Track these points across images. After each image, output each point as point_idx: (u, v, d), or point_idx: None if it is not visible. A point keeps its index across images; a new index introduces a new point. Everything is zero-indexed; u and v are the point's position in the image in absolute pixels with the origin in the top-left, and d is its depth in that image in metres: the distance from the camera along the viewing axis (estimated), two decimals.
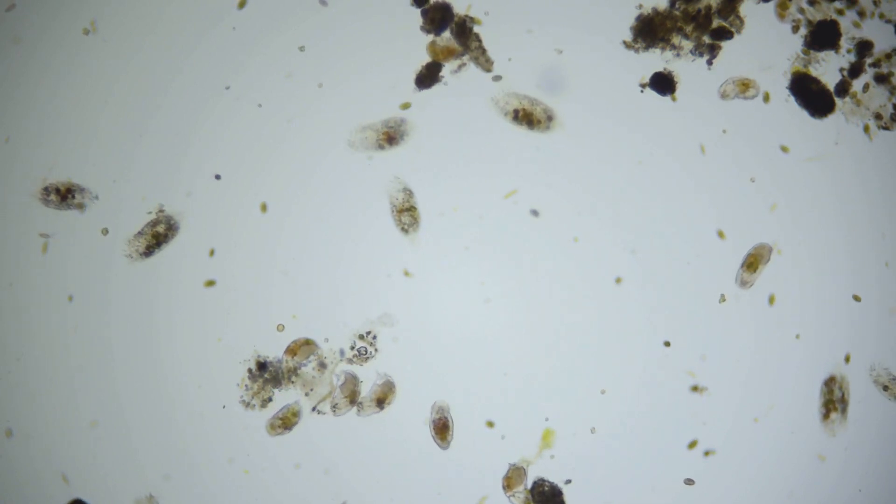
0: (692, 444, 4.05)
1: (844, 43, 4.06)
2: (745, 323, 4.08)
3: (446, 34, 4.00)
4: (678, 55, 4.04)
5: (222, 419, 3.99)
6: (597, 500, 4.06)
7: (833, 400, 4.06)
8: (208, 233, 4.01)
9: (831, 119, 4.07)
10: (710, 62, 4.05)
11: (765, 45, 4.07)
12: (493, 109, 3.99)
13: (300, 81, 4.01)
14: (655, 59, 4.04)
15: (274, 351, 4.00)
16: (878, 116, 4.07)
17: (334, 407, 3.98)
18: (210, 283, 3.98)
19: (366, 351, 3.99)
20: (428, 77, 4.00)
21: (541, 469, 4.05)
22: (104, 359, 3.99)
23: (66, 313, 3.98)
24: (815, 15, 4.05)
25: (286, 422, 3.97)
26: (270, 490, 4.02)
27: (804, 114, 4.08)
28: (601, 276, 4.06)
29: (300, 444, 4.01)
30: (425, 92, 4.01)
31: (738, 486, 4.07)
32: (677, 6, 4.02)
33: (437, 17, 3.98)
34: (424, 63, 4.01)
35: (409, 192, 3.95)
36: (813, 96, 4.06)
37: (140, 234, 3.88)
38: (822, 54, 4.06)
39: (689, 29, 4.03)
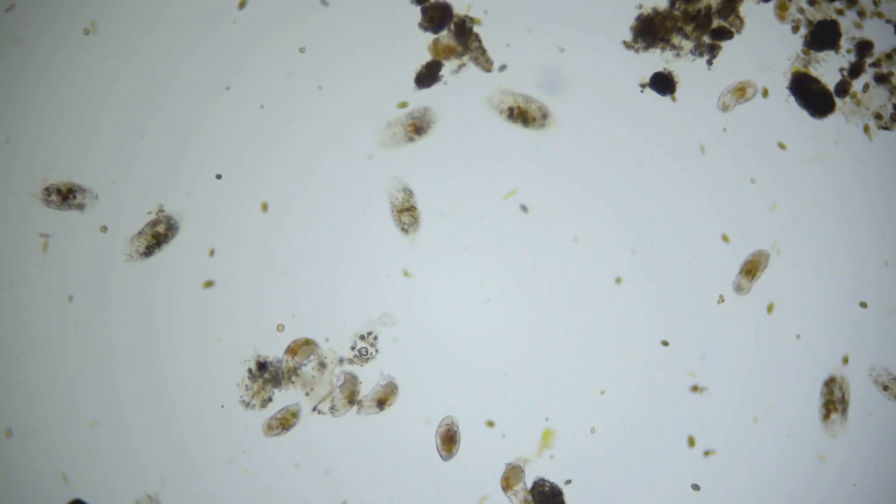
0: (691, 442, 4.05)
1: (844, 43, 4.06)
2: (745, 323, 4.08)
3: (446, 34, 4.00)
4: (678, 55, 4.04)
5: (222, 419, 3.99)
6: (597, 500, 4.06)
7: (833, 400, 4.06)
8: (208, 233, 4.01)
9: (831, 119, 4.07)
10: (710, 62, 4.05)
11: (765, 45, 4.07)
12: (487, 108, 3.99)
13: (300, 81, 4.01)
14: (655, 59, 4.04)
15: (274, 351, 4.00)
16: (878, 116, 4.07)
17: (332, 408, 3.98)
18: (209, 284, 3.98)
19: (366, 351, 3.99)
20: (428, 77, 4.00)
21: (541, 469, 4.05)
22: (104, 359, 3.99)
23: (66, 313, 3.98)
24: (815, 15, 4.05)
25: (284, 423, 3.97)
26: (270, 490, 4.02)
27: (804, 114, 4.08)
28: (601, 276, 4.06)
29: (300, 444, 4.01)
30: (425, 92, 4.01)
31: (738, 486, 4.07)
32: (677, 6, 4.02)
33: (437, 16, 3.98)
34: (424, 62, 4.01)
35: (409, 192, 3.95)
36: (813, 96, 4.06)
37: (140, 234, 3.88)
38: (822, 54, 4.06)
39: (689, 29, 4.03)
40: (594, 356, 4.07)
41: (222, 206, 4.01)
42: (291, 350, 3.98)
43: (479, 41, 4.00)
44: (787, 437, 4.08)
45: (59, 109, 3.99)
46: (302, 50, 3.99)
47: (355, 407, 4.00)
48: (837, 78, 4.07)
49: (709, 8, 4.03)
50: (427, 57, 4.01)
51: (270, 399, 3.98)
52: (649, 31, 4.01)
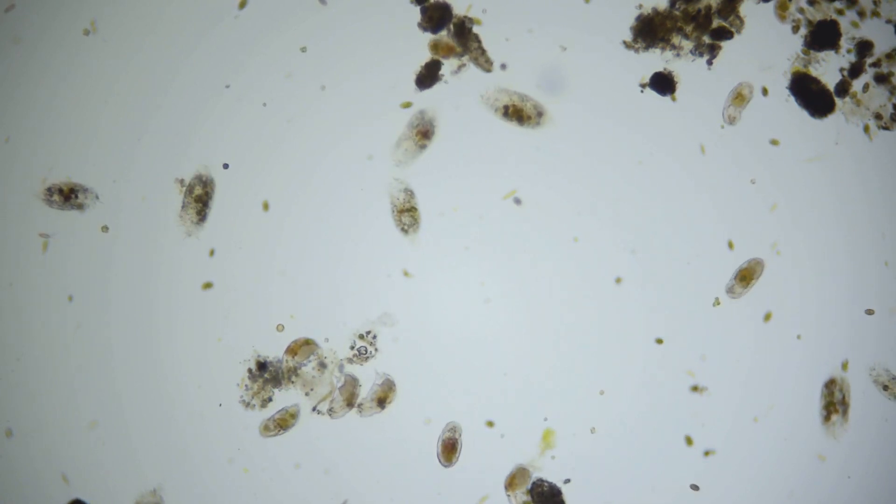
0: (689, 441, 4.04)
1: (844, 43, 4.05)
2: (745, 323, 4.08)
3: (446, 34, 4.00)
4: (678, 55, 4.04)
5: (222, 419, 3.99)
6: (596, 500, 4.06)
7: (834, 402, 4.06)
8: (208, 233, 4.01)
9: (831, 119, 4.07)
10: (710, 62, 4.05)
11: (765, 45, 4.07)
12: (482, 106, 3.99)
13: (300, 81, 4.01)
14: (655, 59, 4.04)
15: (274, 351, 4.00)
16: (878, 116, 4.07)
17: (331, 410, 3.98)
18: (207, 286, 3.98)
19: (366, 351, 3.99)
20: (428, 77, 4.00)
21: (542, 465, 4.05)
22: (104, 359, 3.99)
23: (66, 313, 3.98)
24: (815, 15, 4.05)
25: (282, 423, 3.97)
26: (270, 490, 4.02)
27: (804, 114, 4.07)
28: (601, 276, 4.06)
29: (300, 444, 4.01)
30: (426, 92, 4.01)
31: (738, 486, 4.07)
32: (677, 6, 4.02)
33: (437, 16, 3.98)
34: (424, 63, 4.01)
35: (409, 193, 3.95)
36: (813, 96, 4.06)
37: (184, 206, 3.88)
38: (822, 54, 4.06)
39: (689, 29, 4.03)
40: (594, 356, 4.07)
41: (222, 207, 4.01)
42: (291, 350, 3.98)
43: (479, 41, 4.00)
44: (788, 437, 4.08)
45: (59, 109, 3.99)
46: (303, 49, 3.99)
47: (355, 410, 4.00)
48: (837, 78, 4.06)
49: (709, 8, 4.03)
50: (427, 57, 4.01)
51: (270, 399, 3.98)
52: (649, 31, 4.01)
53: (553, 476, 4.05)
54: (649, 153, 4.06)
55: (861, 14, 4.05)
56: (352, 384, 4.00)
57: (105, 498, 3.99)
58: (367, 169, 4.02)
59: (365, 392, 4.01)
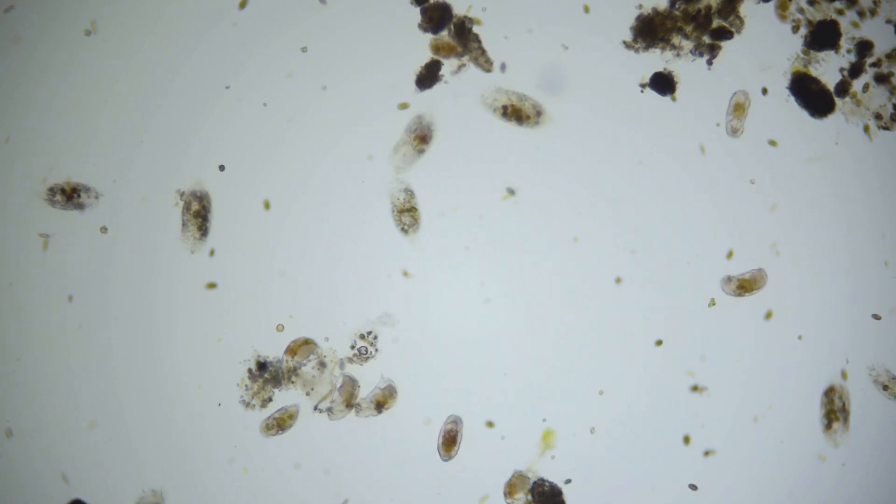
0: (686, 440, 4.04)
1: (844, 43, 4.05)
2: (745, 323, 4.08)
3: (447, 34, 4.00)
4: (678, 55, 4.04)
5: (222, 419, 3.99)
6: (597, 500, 4.06)
7: (834, 410, 4.05)
8: (208, 232, 4.01)
9: (831, 119, 4.07)
10: (710, 62, 4.05)
11: (765, 45, 4.07)
12: (481, 106, 3.99)
13: (300, 81, 4.01)
14: (655, 59, 4.04)
15: (274, 351, 4.00)
16: (878, 116, 4.07)
17: (329, 411, 3.97)
18: (211, 286, 3.98)
19: (366, 351, 3.99)
20: (428, 77, 4.00)
21: (541, 469, 4.05)
22: (104, 359, 3.99)
23: (66, 313, 3.98)
24: (815, 15, 4.05)
25: (281, 423, 3.97)
26: (270, 490, 4.02)
27: (804, 114, 4.07)
28: (601, 276, 4.06)
29: (300, 444, 4.01)
30: (425, 93, 4.01)
31: (738, 486, 4.07)
32: (677, 6, 4.02)
33: (437, 16, 3.98)
34: (424, 63, 4.01)
35: (410, 193, 3.95)
36: (813, 96, 4.06)
37: (184, 225, 3.89)
38: (822, 54, 4.06)
39: (689, 29, 4.03)
40: (594, 356, 4.07)
41: (222, 206, 4.01)
42: (291, 350, 3.98)
43: (479, 41, 4.00)
44: (786, 441, 4.08)
45: (59, 109, 3.99)
46: (304, 49, 3.99)
47: (353, 410, 4.00)
48: (837, 78, 4.07)
49: (709, 8, 4.03)
50: (427, 57, 4.01)
51: (270, 399, 3.98)
52: (649, 31, 4.01)
53: (553, 476, 4.05)
54: (649, 153, 4.06)
55: (861, 14, 4.05)
56: (351, 385, 4.00)
57: (105, 498, 3.99)
58: (367, 169, 4.02)
59: (365, 393, 4.01)
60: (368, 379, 4.02)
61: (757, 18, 4.06)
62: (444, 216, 4.03)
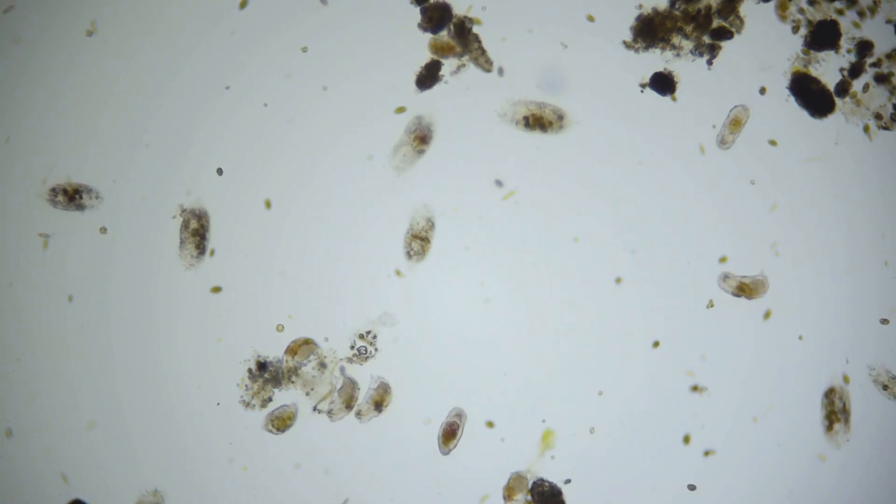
0: (686, 440, 4.04)
1: (844, 43, 4.05)
2: (745, 323, 4.08)
3: (446, 34, 4.00)
4: (678, 55, 4.04)
5: (222, 419, 3.99)
6: (597, 500, 4.06)
7: (835, 411, 4.05)
8: (208, 233, 4.01)
9: (831, 119, 4.07)
10: (710, 62, 4.05)
11: (765, 45, 4.07)
12: (502, 122, 3.99)
13: (300, 81, 4.01)
14: (655, 59, 4.04)
15: (274, 351, 4.00)
16: (878, 116, 4.07)
17: (329, 412, 3.97)
18: (216, 290, 3.98)
19: (366, 350, 3.99)
20: (428, 77, 4.00)
21: (541, 469, 4.05)
22: (104, 359, 3.99)
23: (66, 313, 3.98)
24: (815, 15, 4.05)
25: (280, 424, 3.97)
26: (270, 490, 4.02)
27: (804, 114, 4.07)
28: (601, 276, 4.06)
29: (300, 444, 4.01)
30: (425, 93, 4.01)
31: (738, 486, 4.07)
32: (677, 6, 4.02)
33: (437, 16, 3.98)
34: (424, 63, 4.01)
35: (431, 224, 3.95)
36: (813, 96, 4.06)
37: (182, 242, 3.90)
38: (822, 54, 4.06)
39: (689, 29, 4.03)
40: (594, 356, 4.07)
41: (222, 206, 4.01)
42: (291, 350, 3.98)
43: (479, 41, 4.00)
44: (786, 441, 4.08)
45: (59, 109, 3.99)
46: (304, 49, 3.99)
47: (354, 416, 4.00)
48: (837, 78, 4.06)
49: (709, 8, 4.03)
50: (427, 57, 4.01)
51: (270, 399, 3.98)
52: (649, 31, 4.01)
53: (553, 476, 4.05)
54: (649, 153, 4.06)
55: (861, 14, 4.05)
56: (350, 386, 4.00)
57: (105, 498, 3.99)
58: (367, 169, 4.02)
59: (361, 398, 4.00)
60: (365, 380, 4.02)
61: (757, 18, 4.06)
62: (444, 216, 4.03)
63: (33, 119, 3.98)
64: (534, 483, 4.04)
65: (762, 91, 4.06)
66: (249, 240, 4.02)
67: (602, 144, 4.06)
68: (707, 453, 4.06)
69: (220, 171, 3.91)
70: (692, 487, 4.04)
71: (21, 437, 3.97)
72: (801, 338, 4.07)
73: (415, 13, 3.99)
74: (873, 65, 4.07)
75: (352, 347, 3.99)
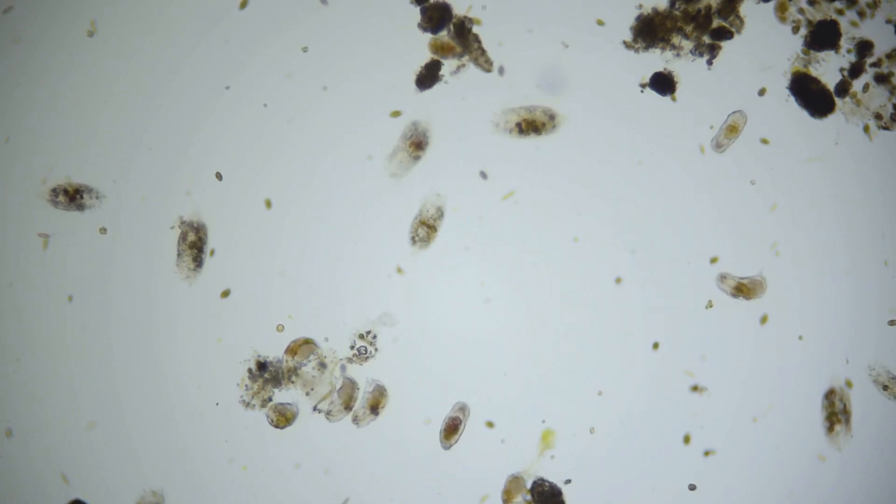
0: (686, 440, 4.04)
1: (844, 43, 4.05)
2: (745, 323, 4.08)
3: (446, 35, 4.00)
4: (678, 55, 4.04)
5: (222, 419, 3.99)
6: (597, 500, 4.06)
7: (835, 412, 4.05)
8: (208, 233, 4.01)
9: (831, 119, 4.07)
10: (710, 62, 4.05)
11: (765, 45, 4.07)
12: (496, 132, 3.99)
13: (300, 81, 4.01)
14: (655, 59, 4.04)
15: (274, 351, 4.00)
16: (878, 116, 4.07)
17: (329, 413, 3.97)
18: (226, 294, 3.98)
19: (366, 350, 3.99)
20: (428, 77, 4.00)
21: (541, 469, 4.05)
22: (104, 359, 3.99)
23: (66, 313, 3.98)
24: (815, 15, 4.05)
25: (280, 418, 3.97)
26: (270, 490, 4.02)
27: (804, 114, 4.07)
28: (601, 276, 4.06)
29: (300, 444, 4.01)
30: (426, 93, 4.01)
31: (738, 486, 4.07)
32: (677, 6, 4.02)
33: (437, 16, 3.98)
34: (424, 63, 4.01)
35: (440, 213, 3.95)
36: (813, 96, 4.06)
37: (179, 255, 3.90)
38: (822, 54, 4.06)
39: (689, 29, 4.03)
40: (594, 356, 4.07)
41: (222, 206, 4.01)
42: (291, 350, 3.98)
43: (479, 41, 4.00)
44: (786, 441, 4.08)
45: (59, 109, 3.99)
46: (305, 49, 3.99)
47: (352, 421, 4.00)
48: (837, 78, 4.06)
49: (709, 8, 4.03)
50: (426, 57, 4.01)
51: (270, 399, 3.99)
52: (649, 31, 4.01)
53: (553, 476, 4.05)
54: (649, 153, 4.06)
55: (861, 14, 4.05)
56: (350, 387, 4.00)
57: (105, 498, 3.99)
58: (366, 169, 4.02)
59: (357, 403, 4.00)
60: (362, 382, 4.02)
61: (757, 18, 4.06)
62: (444, 216, 4.03)
63: (33, 119, 3.98)
64: (534, 483, 4.04)
65: (762, 91, 4.06)
66: (249, 240, 4.02)
67: (602, 144, 4.06)
68: (707, 453, 4.06)
69: (219, 176, 3.91)
70: (692, 487, 4.04)
71: (21, 437, 3.97)
72: (801, 338, 4.07)
73: (415, 13, 3.99)
74: (873, 65, 4.07)
75: (352, 347, 4.00)
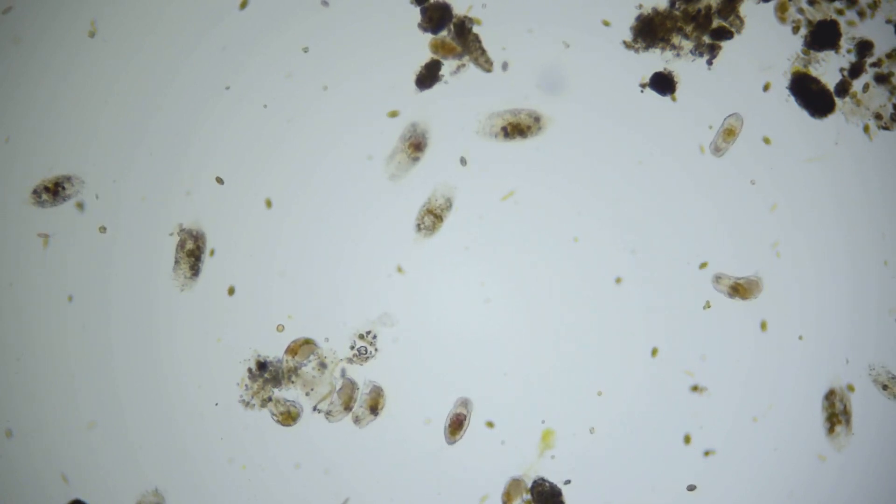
0: (687, 440, 4.04)
1: (844, 43, 4.05)
2: (745, 323, 4.08)
3: (446, 35, 4.00)
4: (678, 55, 4.04)
5: (222, 419, 3.99)
6: (596, 500, 4.06)
7: (836, 413, 4.05)
8: (208, 233, 4.01)
9: (831, 119, 4.07)
10: (710, 62, 4.05)
11: (765, 45, 4.07)
12: (482, 138, 3.99)
13: (300, 81, 4.01)
14: (655, 59, 4.04)
15: (274, 351, 4.00)
16: (878, 116, 4.07)
17: (328, 413, 3.97)
18: (231, 291, 3.98)
19: (366, 351, 3.99)
20: (428, 77, 4.00)
21: (541, 469, 4.05)
22: (104, 359, 3.99)
23: (66, 313, 3.98)
24: (815, 15, 4.05)
25: (284, 416, 3.97)
26: (270, 490, 4.02)
27: (804, 114, 4.07)
28: (601, 276, 4.06)
29: (300, 444, 4.01)
30: (423, 94, 4.01)
31: (738, 486, 4.07)
32: (677, 6, 4.02)
33: (437, 16, 3.98)
34: (424, 63, 4.01)
35: (448, 204, 3.95)
36: (813, 96, 4.06)
37: (177, 262, 3.90)
38: (822, 54, 4.06)
39: (689, 29, 4.03)
40: (594, 356, 4.07)
41: (222, 206, 4.01)
42: (291, 350, 3.98)
43: (479, 41, 4.00)
44: (786, 441, 4.08)
45: (59, 109, 3.99)
46: (305, 50, 3.99)
47: (353, 421, 4.00)
48: (837, 78, 4.07)
49: (709, 8, 4.03)
50: (426, 57, 4.01)
51: (270, 399, 3.99)
52: (649, 31, 4.01)
53: (553, 476, 4.05)
54: (649, 153, 4.06)
55: (861, 14, 4.05)
56: (350, 387, 4.00)
57: (105, 498, 3.99)
58: (366, 169, 4.02)
59: (356, 404, 4.00)
60: (366, 381, 4.02)
61: (757, 18, 4.06)
62: (452, 207, 4.03)
63: (33, 119, 3.98)
64: (534, 483, 4.04)
65: (763, 90, 4.06)
66: (249, 240, 4.02)
67: (602, 144, 4.06)
68: (707, 453, 4.06)
69: (220, 180, 3.91)
70: (692, 487, 4.04)
71: (21, 437, 3.98)
72: (801, 338, 4.07)
73: (415, 13, 3.99)
74: (873, 65, 4.07)
75: (352, 347, 4.00)
